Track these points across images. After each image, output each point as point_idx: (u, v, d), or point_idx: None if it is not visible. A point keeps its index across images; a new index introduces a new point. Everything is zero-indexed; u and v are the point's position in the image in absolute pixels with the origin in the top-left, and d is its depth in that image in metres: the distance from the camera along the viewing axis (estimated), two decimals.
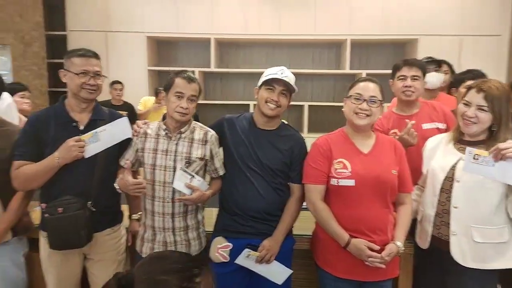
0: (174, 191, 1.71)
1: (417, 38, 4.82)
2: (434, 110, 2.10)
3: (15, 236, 1.84)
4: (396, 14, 4.84)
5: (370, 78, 1.75)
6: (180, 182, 1.66)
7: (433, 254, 1.75)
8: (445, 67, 2.83)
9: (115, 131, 1.74)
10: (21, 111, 2.80)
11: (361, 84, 1.70)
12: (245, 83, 5.43)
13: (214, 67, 5.00)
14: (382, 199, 1.65)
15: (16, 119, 2.34)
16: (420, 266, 1.90)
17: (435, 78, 2.55)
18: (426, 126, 2.05)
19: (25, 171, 1.66)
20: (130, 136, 1.78)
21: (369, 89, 1.67)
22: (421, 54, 4.75)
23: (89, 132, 1.69)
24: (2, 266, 1.79)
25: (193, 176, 1.69)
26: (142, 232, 1.81)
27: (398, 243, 1.66)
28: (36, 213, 1.90)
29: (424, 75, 2.08)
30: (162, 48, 5.39)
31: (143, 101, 4.82)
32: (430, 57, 2.71)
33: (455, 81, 2.53)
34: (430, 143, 1.85)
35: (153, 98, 4.80)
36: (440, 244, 1.69)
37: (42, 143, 1.69)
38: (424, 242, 1.77)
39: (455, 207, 1.64)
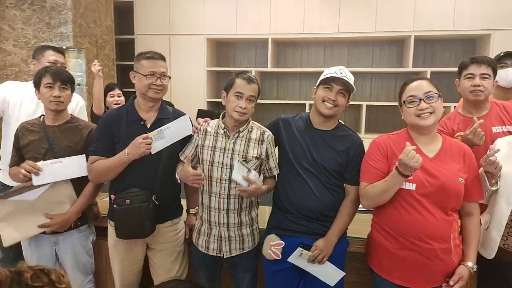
0: (230, 187, 1.77)
1: (489, 34, 4.45)
2: (505, 112, 1.92)
3: (86, 224, 2.02)
4: (469, 7, 4.49)
5: (417, 77, 1.66)
6: (238, 174, 1.71)
7: (498, 266, 1.62)
8: None
9: (178, 128, 1.84)
10: None
11: (412, 84, 1.61)
12: (301, 82, 5.40)
13: (271, 67, 5.03)
14: (445, 206, 1.55)
15: (86, 120, 2.54)
16: (484, 278, 1.77)
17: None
18: (496, 129, 1.88)
19: (98, 166, 1.81)
20: (191, 133, 1.86)
21: (422, 86, 1.58)
22: (494, 50, 4.38)
23: (155, 130, 1.79)
24: (75, 252, 1.96)
25: (250, 170, 1.73)
26: (199, 226, 1.89)
27: (470, 263, 1.57)
28: (104, 204, 2.06)
29: (495, 73, 1.91)
30: (221, 49, 5.53)
31: None
32: (508, 51, 2.38)
33: None
34: (502, 143, 1.69)
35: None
36: (507, 256, 1.57)
37: (114, 140, 1.83)
38: (489, 251, 1.65)
39: None
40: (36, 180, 1.82)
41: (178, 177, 1.83)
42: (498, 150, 1.57)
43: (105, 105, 3.26)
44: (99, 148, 1.83)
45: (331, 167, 1.75)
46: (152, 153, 1.79)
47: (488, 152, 1.59)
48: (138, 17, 5.26)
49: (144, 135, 1.77)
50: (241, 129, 1.80)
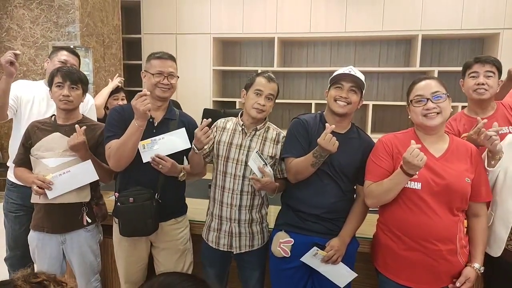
0: (243, 184, 1.80)
1: (498, 33, 4.41)
2: None
3: (94, 223, 2.03)
4: (477, 6, 4.44)
5: (426, 76, 1.64)
6: (254, 163, 1.71)
7: (503, 266, 1.61)
8: None
9: (172, 141, 1.82)
10: None
11: (420, 84, 1.60)
12: (308, 82, 5.39)
13: (277, 66, 5.03)
14: (451, 206, 1.54)
15: (95, 119, 2.55)
16: (489, 277, 1.75)
17: None
18: (503, 130, 1.86)
19: (113, 146, 1.76)
20: (189, 146, 1.83)
21: (430, 86, 1.57)
22: (503, 49, 4.34)
23: (148, 139, 1.79)
24: (82, 252, 1.97)
25: (266, 163, 1.74)
26: (209, 221, 1.91)
27: (476, 265, 1.56)
28: (111, 202, 2.08)
29: (500, 72, 1.90)
30: (227, 48, 5.54)
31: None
32: None
33: None
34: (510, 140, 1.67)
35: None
36: (510, 257, 1.56)
37: (126, 129, 1.77)
38: (495, 249, 1.63)
39: None
40: (50, 194, 1.82)
41: (194, 152, 1.77)
42: (501, 129, 1.56)
43: (106, 106, 3.24)
44: (113, 133, 1.79)
45: (347, 170, 1.74)
46: (144, 161, 1.77)
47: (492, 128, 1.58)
48: (145, 17, 5.29)
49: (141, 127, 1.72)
50: (258, 127, 1.84)
